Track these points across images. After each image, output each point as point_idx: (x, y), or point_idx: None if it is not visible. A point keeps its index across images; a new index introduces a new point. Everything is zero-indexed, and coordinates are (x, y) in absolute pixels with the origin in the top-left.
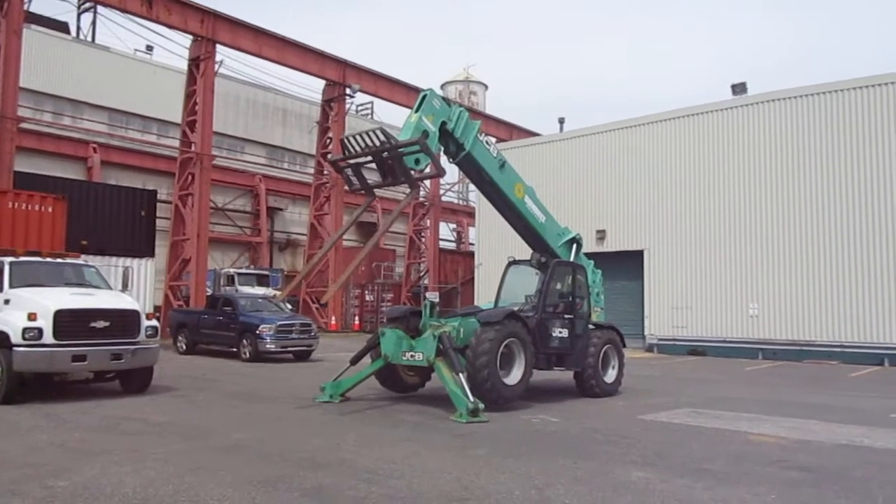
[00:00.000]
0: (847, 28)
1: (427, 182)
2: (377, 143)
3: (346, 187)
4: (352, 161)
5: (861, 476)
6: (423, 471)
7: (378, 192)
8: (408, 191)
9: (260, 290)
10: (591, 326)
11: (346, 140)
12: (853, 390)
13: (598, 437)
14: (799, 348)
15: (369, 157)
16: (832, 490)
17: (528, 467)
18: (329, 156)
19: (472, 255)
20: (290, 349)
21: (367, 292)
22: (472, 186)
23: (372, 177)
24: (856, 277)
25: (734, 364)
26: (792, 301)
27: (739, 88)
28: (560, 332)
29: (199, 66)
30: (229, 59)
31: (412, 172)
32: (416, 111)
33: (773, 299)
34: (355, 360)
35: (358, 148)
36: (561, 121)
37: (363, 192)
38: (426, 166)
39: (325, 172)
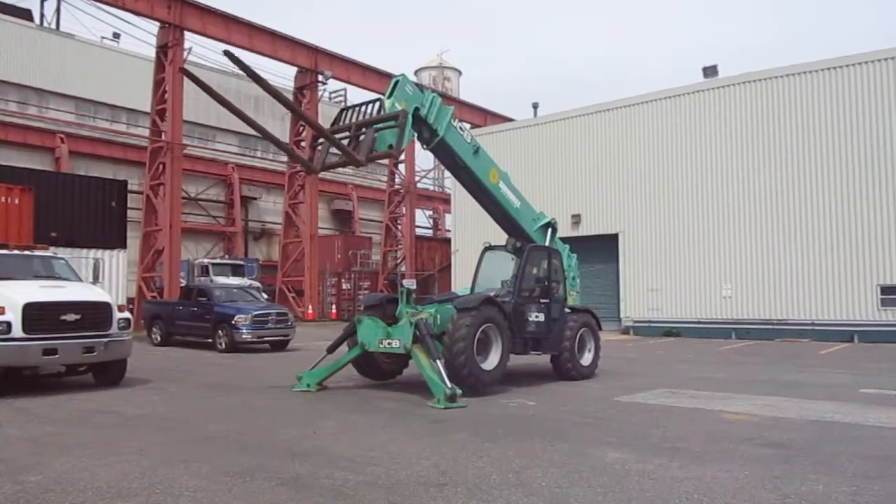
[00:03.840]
0: (822, 10)
1: (402, 169)
2: (372, 115)
3: (303, 167)
4: (335, 136)
5: (831, 451)
6: (401, 457)
7: (354, 179)
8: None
9: (235, 281)
10: (567, 310)
11: (344, 112)
12: (824, 367)
13: (574, 419)
14: (771, 327)
15: (346, 133)
16: (803, 465)
17: (505, 451)
18: (305, 133)
19: (448, 241)
20: (266, 339)
21: (343, 280)
22: (447, 173)
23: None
24: (826, 257)
25: (708, 344)
26: (764, 281)
27: (710, 71)
28: (536, 317)
29: (168, 53)
30: (198, 47)
31: (372, 151)
32: (389, 97)
33: (745, 280)
34: (332, 349)
35: (350, 120)
36: (535, 106)
37: (312, 169)
38: (399, 151)
39: None
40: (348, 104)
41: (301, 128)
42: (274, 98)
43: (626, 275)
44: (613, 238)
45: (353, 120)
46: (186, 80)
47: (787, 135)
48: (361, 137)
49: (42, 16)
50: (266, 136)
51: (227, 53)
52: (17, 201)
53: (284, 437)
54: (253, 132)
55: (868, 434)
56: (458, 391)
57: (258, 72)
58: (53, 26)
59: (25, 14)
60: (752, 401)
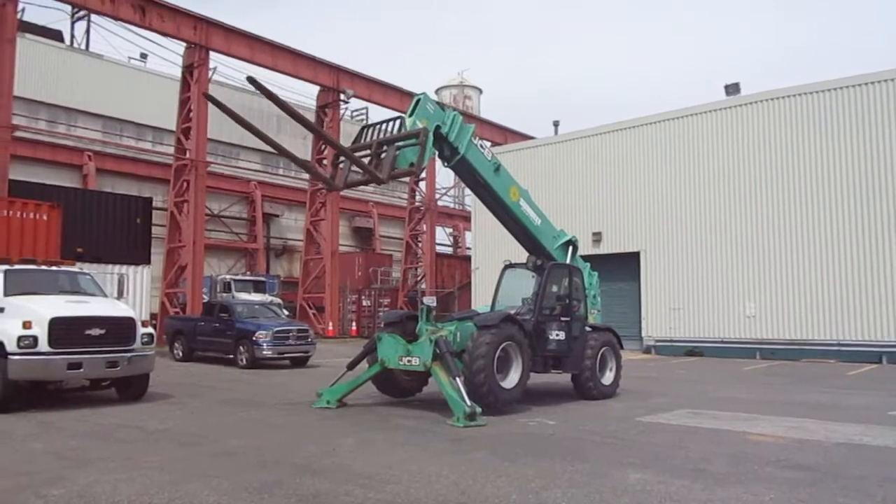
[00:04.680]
0: (842, 28)
1: (423, 186)
2: (393, 133)
3: (324, 185)
4: (354, 154)
5: (860, 474)
6: (420, 475)
7: (374, 196)
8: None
9: (256, 297)
10: (588, 328)
11: (365, 129)
12: (851, 388)
13: (595, 439)
14: (796, 347)
15: (367, 150)
16: (830, 489)
17: (525, 471)
18: (327, 152)
19: (468, 259)
20: (286, 355)
21: (363, 297)
22: (467, 191)
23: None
24: (852, 276)
25: (732, 364)
26: (789, 300)
27: (733, 89)
28: (557, 335)
29: (193, 73)
30: (223, 66)
31: (394, 169)
32: (410, 115)
33: (769, 299)
34: (352, 366)
35: (371, 138)
36: (555, 123)
37: (333, 187)
38: (419, 168)
39: None
40: (370, 122)
41: (323, 146)
42: (296, 121)
43: (647, 293)
44: (635, 256)
45: (375, 138)
46: None
47: (811, 152)
48: (383, 155)
49: (72, 37)
50: (286, 154)
51: (250, 79)
52: (45, 217)
53: (304, 454)
54: (276, 151)
55: None
56: (478, 409)
57: (281, 91)
58: (83, 47)
59: (56, 35)
60: (777, 422)
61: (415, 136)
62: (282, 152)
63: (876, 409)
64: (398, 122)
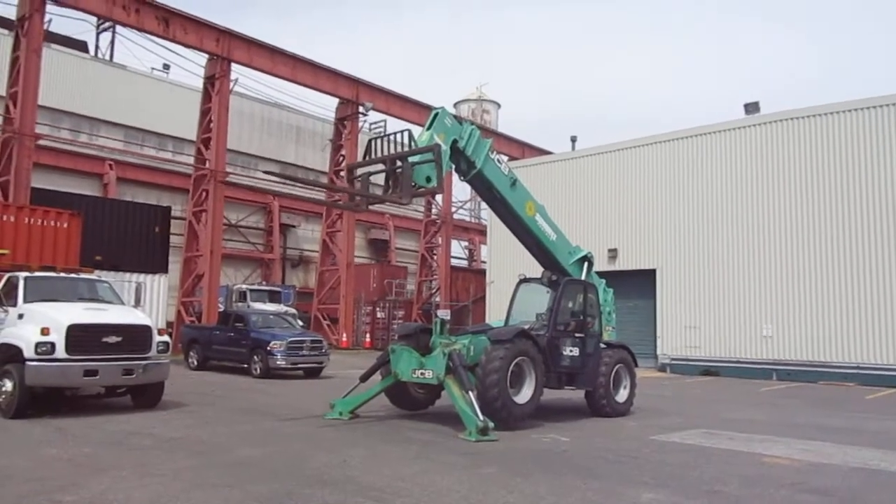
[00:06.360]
0: (866, 49)
1: (439, 199)
2: (402, 147)
3: (351, 211)
4: (365, 169)
5: (877, 500)
6: (431, 489)
7: (391, 209)
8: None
9: (272, 307)
10: (602, 345)
11: (373, 142)
12: (869, 413)
13: (608, 457)
14: (814, 369)
15: (382, 165)
16: None
17: (537, 487)
18: (344, 164)
19: (483, 272)
20: (300, 366)
21: (378, 309)
22: (484, 204)
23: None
24: (873, 297)
25: (748, 385)
26: (807, 322)
27: (752, 108)
28: (571, 351)
29: (215, 84)
30: (244, 78)
31: (415, 187)
32: (428, 129)
33: (787, 320)
34: (365, 378)
35: (380, 152)
36: (573, 139)
37: (358, 206)
38: (436, 184)
39: None
40: (377, 136)
41: (340, 158)
42: (316, 187)
43: (663, 311)
44: (651, 273)
45: (386, 151)
46: (231, 110)
47: (830, 173)
48: (398, 170)
49: (97, 47)
50: (313, 199)
51: (268, 173)
52: (65, 225)
53: (315, 465)
54: (294, 162)
55: None
56: (490, 424)
57: (301, 103)
58: (107, 57)
59: (81, 46)
60: (793, 445)
61: (429, 151)
62: (325, 203)
63: (894, 435)
64: (406, 133)
